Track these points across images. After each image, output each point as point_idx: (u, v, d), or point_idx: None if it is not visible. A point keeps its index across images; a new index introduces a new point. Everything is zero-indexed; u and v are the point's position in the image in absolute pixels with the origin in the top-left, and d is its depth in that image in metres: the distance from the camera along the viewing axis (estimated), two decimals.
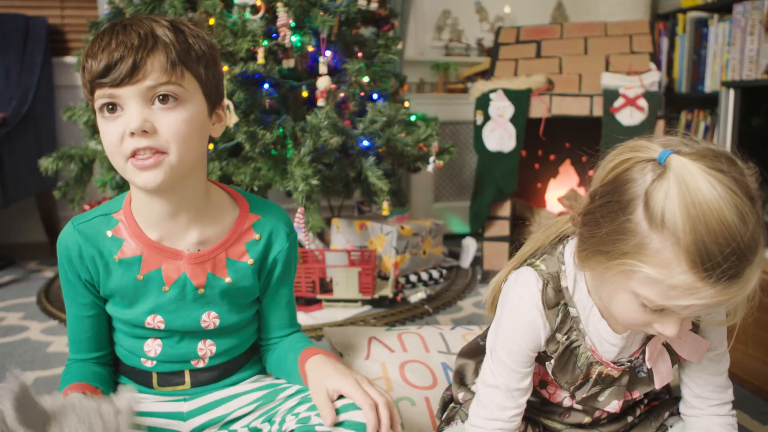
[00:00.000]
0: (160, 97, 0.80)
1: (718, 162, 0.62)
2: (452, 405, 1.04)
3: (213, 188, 0.95)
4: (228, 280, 0.92)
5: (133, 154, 0.80)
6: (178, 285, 0.90)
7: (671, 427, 0.91)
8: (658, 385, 0.83)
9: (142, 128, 0.78)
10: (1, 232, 2.92)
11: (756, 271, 0.63)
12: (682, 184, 0.61)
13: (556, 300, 0.78)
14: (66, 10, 2.88)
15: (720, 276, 0.61)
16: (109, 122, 0.81)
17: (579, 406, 0.89)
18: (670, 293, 0.63)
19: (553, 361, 0.82)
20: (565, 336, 0.80)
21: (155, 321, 0.91)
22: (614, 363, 0.82)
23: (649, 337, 0.81)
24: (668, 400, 0.95)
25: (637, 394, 0.85)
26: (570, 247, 0.80)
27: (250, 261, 0.93)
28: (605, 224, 0.67)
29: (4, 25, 2.64)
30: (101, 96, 0.80)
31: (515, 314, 0.80)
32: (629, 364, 0.81)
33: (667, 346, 0.81)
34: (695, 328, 0.80)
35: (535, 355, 0.82)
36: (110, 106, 0.80)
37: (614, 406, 0.84)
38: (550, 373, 0.84)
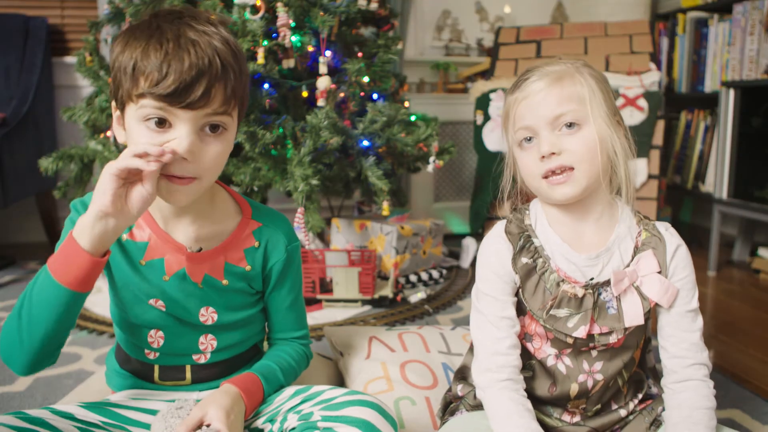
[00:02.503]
0: (211, 126, 0.80)
1: None
2: (452, 404, 1.05)
3: (219, 190, 0.96)
4: (224, 282, 0.93)
5: (168, 175, 0.79)
6: (178, 276, 0.91)
7: (665, 421, 0.92)
8: (627, 322, 0.87)
9: (188, 154, 0.77)
10: (1, 232, 2.92)
11: (561, 77, 0.85)
12: None
13: (518, 231, 0.92)
14: (66, 10, 2.88)
15: (524, 84, 0.87)
16: (151, 133, 0.78)
17: (563, 368, 0.91)
18: (512, 114, 0.88)
19: (523, 285, 0.90)
20: (531, 259, 0.90)
21: (157, 303, 0.92)
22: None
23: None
24: (662, 396, 0.96)
25: (606, 329, 0.88)
26: (535, 201, 0.95)
27: (248, 267, 0.94)
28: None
29: (4, 25, 2.64)
30: (150, 106, 0.77)
31: (484, 249, 0.94)
32: (592, 281, 0.88)
33: (638, 290, 0.88)
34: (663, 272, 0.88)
35: (511, 284, 0.91)
36: (158, 120, 0.78)
37: (582, 331, 0.87)
38: (522, 298, 0.90)
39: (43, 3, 2.84)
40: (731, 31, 2.61)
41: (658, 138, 2.14)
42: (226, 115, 0.81)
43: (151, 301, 0.92)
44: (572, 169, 0.84)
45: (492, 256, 0.92)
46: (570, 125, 0.84)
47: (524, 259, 0.90)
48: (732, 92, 2.32)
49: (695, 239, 2.90)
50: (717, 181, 2.38)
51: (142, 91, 0.77)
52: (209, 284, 0.92)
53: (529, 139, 0.87)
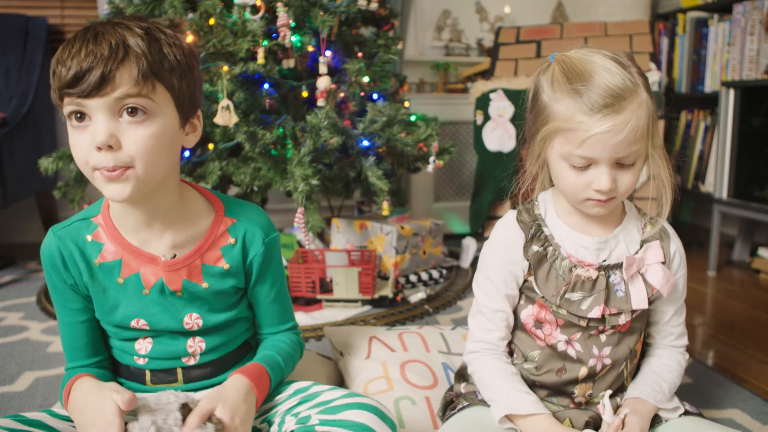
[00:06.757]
0: (129, 109, 0.79)
1: (592, 48, 0.87)
2: (453, 404, 1.05)
3: (188, 191, 0.94)
4: (204, 285, 0.92)
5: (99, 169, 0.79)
6: (156, 289, 0.90)
7: (666, 421, 0.94)
8: (634, 305, 0.92)
9: (107, 143, 0.77)
10: (1, 232, 2.92)
11: (632, 109, 0.82)
12: (560, 59, 0.87)
13: (529, 219, 0.95)
14: (66, 10, 2.88)
15: (593, 105, 0.81)
16: (77, 131, 0.80)
17: (573, 353, 0.93)
18: (574, 136, 0.83)
19: (534, 273, 0.93)
20: (542, 247, 0.93)
21: (139, 324, 0.91)
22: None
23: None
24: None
25: (614, 310, 0.92)
26: (543, 193, 0.99)
27: (226, 266, 0.93)
28: (530, 117, 0.92)
29: (4, 25, 2.64)
30: (69, 104, 0.79)
31: (495, 236, 0.98)
32: (605, 263, 0.93)
33: (643, 277, 0.93)
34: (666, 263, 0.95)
35: (514, 274, 0.94)
36: (78, 115, 0.79)
37: (596, 312, 0.91)
38: (534, 286, 0.93)
39: (43, 3, 2.84)
40: (731, 31, 2.61)
41: None
42: (143, 98, 0.79)
43: (133, 323, 0.91)
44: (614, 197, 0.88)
45: (502, 243, 0.96)
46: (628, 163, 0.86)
47: (535, 247, 0.94)
48: (732, 92, 2.32)
49: (695, 239, 2.89)
50: (717, 181, 2.38)
51: (55, 88, 0.79)
52: (189, 291, 0.91)
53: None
